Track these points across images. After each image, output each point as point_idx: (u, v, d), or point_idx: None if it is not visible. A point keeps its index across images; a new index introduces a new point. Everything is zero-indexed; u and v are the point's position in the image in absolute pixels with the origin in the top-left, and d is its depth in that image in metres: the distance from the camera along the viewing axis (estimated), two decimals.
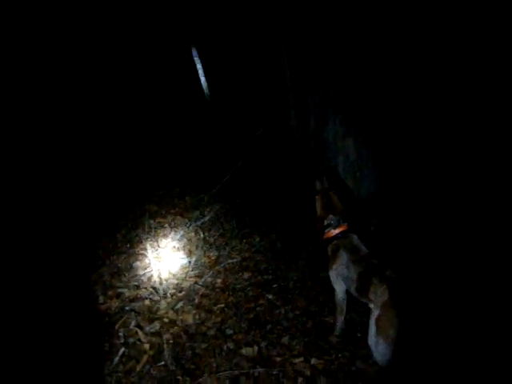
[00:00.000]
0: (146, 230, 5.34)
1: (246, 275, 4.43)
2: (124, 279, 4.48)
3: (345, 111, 4.73)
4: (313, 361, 3.21)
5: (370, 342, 2.85)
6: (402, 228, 4.45)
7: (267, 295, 4.09)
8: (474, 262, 3.26)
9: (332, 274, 3.40)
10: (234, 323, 3.76)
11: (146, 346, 3.59)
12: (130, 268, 4.67)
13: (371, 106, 4.85)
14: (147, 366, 3.38)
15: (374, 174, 4.78)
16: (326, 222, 3.47)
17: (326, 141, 4.91)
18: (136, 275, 4.54)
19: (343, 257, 3.27)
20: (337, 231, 3.39)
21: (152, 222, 5.58)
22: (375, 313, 2.81)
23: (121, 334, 3.73)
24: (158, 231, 5.36)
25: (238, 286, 4.28)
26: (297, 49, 5.45)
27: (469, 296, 3.26)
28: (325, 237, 3.47)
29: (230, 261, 4.61)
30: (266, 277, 4.36)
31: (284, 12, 5.87)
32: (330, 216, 3.45)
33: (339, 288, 3.40)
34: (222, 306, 4.00)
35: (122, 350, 3.56)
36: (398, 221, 4.57)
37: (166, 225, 5.49)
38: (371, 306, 2.90)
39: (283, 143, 6.75)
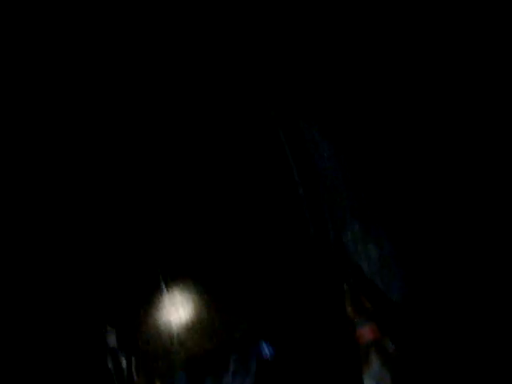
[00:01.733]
0: None
1: None
2: None
3: (362, 215, 4.70)
4: None
5: None
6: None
7: None
8: None
9: (365, 380, 3.22)
10: None
11: None
12: None
13: (390, 206, 4.83)
14: None
15: (400, 276, 4.62)
16: (356, 326, 3.39)
17: (347, 246, 4.82)
18: None
19: (375, 361, 3.15)
20: (367, 335, 3.28)
21: None
22: None
23: None
24: None
25: None
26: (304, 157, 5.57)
27: None
28: (356, 341, 3.36)
29: None
30: None
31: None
32: (361, 319, 3.39)
33: None
34: None
35: None
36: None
37: None
38: None
39: (304, 254, 6.69)
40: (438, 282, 4.82)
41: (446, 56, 4.56)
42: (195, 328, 6.04)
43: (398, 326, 4.19)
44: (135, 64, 6.57)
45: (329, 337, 4.85)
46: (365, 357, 3.26)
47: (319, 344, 4.80)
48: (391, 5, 4.46)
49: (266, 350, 3.81)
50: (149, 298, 6.98)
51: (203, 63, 6.58)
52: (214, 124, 7.20)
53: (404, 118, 5.73)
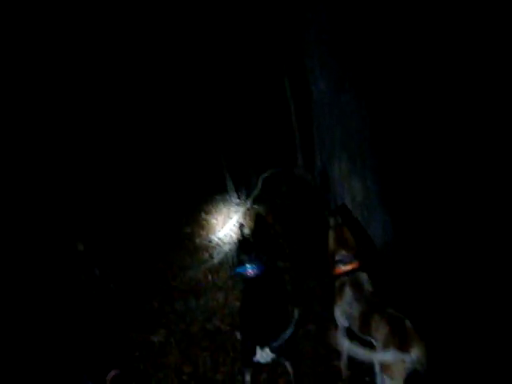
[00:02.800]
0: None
1: None
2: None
3: (351, 149, 4.75)
4: None
5: (377, 382, 2.80)
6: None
7: None
8: None
9: (336, 310, 3.41)
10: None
11: None
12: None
13: (379, 144, 4.89)
14: None
15: (381, 213, 4.78)
16: (337, 258, 3.46)
17: (333, 180, 4.91)
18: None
19: (347, 294, 3.28)
20: (346, 268, 3.39)
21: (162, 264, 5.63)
22: (378, 349, 2.78)
23: None
24: (167, 273, 5.40)
25: None
26: (301, 87, 5.52)
27: None
28: (334, 272, 3.46)
29: (237, 304, 4.54)
30: None
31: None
32: (343, 252, 3.44)
33: (340, 324, 3.41)
34: (230, 353, 3.96)
35: None
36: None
37: (174, 266, 5.50)
38: (374, 343, 2.89)
39: (291, 183, 6.83)
40: (417, 225, 5.03)
41: None
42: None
43: (376, 261, 4.39)
44: None
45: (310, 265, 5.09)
46: (339, 288, 3.39)
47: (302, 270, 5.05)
48: None
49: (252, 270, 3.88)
50: None
51: None
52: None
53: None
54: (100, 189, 7.32)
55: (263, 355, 3.20)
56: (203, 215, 7.06)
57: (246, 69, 7.16)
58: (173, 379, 3.73)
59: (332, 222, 3.63)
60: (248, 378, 3.33)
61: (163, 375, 3.79)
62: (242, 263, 3.79)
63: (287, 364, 3.38)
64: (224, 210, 7.00)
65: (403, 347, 2.60)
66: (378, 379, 2.76)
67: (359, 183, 4.74)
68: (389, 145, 5.26)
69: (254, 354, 3.20)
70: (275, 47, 6.32)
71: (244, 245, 3.93)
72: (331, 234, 3.58)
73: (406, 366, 2.60)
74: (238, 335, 3.42)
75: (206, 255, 5.70)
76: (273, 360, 3.26)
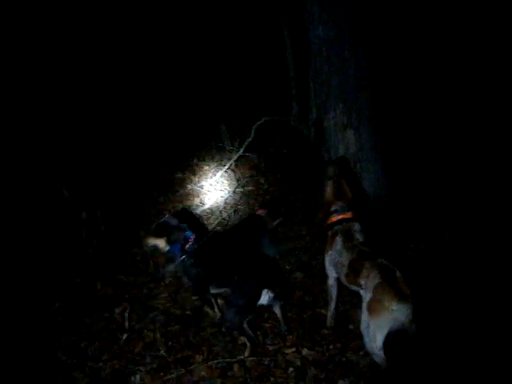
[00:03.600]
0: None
1: None
2: None
3: (347, 100, 4.69)
4: (304, 351, 3.24)
5: (361, 328, 2.85)
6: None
7: None
8: None
9: (326, 259, 3.43)
10: None
11: None
12: None
13: (377, 94, 4.83)
14: None
15: (374, 166, 4.78)
16: (332, 208, 3.46)
17: (327, 131, 4.87)
18: None
19: (338, 243, 3.29)
20: (340, 217, 3.39)
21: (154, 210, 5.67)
22: (367, 297, 2.82)
23: None
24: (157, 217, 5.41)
25: None
26: (300, 34, 5.38)
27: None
28: (328, 222, 3.46)
29: None
30: None
31: None
32: (338, 203, 3.44)
33: (330, 273, 3.45)
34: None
35: None
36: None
37: (165, 212, 5.52)
38: (362, 292, 2.93)
39: (285, 132, 6.79)
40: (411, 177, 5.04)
41: None
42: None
43: (368, 212, 4.42)
44: None
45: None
46: (331, 237, 3.41)
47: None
48: None
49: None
50: None
51: None
52: None
53: None
54: (90, 133, 7.25)
55: (265, 298, 3.31)
56: (196, 161, 7.06)
57: (243, 13, 6.97)
58: (161, 321, 3.80)
59: (331, 171, 3.57)
60: (246, 325, 3.37)
61: (152, 317, 3.86)
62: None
63: (277, 306, 3.45)
64: (217, 156, 7.01)
65: (394, 296, 2.65)
66: (364, 325, 2.81)
67: (354, 135, 4.71)
68: (387, 95, 5.19)
69: (259, 297, 3.30)
70: None
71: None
72: (329, 185, 3.53)
73: (394, 315, 2.67)
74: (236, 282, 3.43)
75: (197, 201, 5.73)
76: (271, 302, 3.37)
